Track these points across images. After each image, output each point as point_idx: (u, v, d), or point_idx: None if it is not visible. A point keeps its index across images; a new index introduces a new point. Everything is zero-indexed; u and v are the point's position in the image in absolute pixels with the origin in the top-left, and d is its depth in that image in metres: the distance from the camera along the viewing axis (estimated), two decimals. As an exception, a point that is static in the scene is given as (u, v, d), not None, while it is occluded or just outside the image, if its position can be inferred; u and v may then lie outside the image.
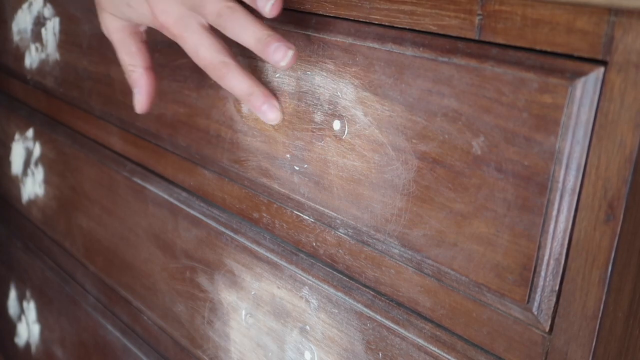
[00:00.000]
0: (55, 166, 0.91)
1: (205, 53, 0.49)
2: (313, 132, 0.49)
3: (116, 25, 0.54)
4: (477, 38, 0.38)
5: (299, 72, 0.50)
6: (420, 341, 0.44)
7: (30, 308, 1.05)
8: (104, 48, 0.74)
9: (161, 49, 0.64)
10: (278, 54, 0.46)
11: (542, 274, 0.37)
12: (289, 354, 0.55)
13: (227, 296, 0.62)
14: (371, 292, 0.48)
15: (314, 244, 0.51)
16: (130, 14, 0.53)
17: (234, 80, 0.49)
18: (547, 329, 0.37)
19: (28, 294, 1.06)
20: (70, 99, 0.83)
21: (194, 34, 0.49)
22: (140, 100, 0.55)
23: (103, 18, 0.55)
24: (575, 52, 0.34)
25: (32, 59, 0.91)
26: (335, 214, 0.49)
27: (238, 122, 0.56)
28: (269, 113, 0.50)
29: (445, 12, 0.39)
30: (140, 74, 0.55)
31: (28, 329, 1.06)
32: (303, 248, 0.53)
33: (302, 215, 0.52)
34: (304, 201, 0.51)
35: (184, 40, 0.50)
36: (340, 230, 0.49)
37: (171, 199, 0.67)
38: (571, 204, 0.35)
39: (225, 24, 0.47)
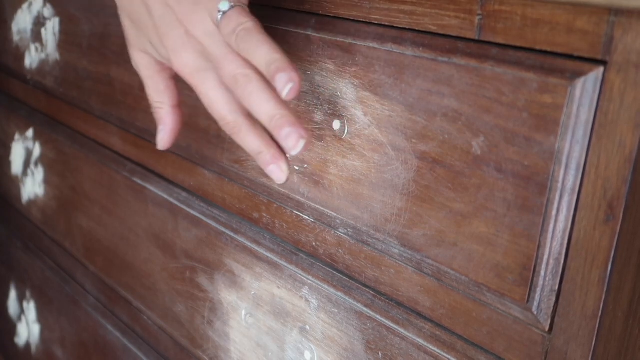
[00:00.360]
0: (55, 166, 0.91)
1: (220, 109, 0.49)
2: (313, 132, 0.49)
3: (144, 62, 0.54)
4: (477, 38, 0.38)
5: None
6: (420, 341, 0.44)
7: (30, 308, 1.05)
8: (104, 48, 0.74)
9: (161, 49, 0.64)
10: (290, 141, 0.45)
11: (542, 273, 0.37)
12: (289, 353, 0.55)
13: (227, 296, 0.62)
14: (371, 291, 0.48)
15: (314, 243, 0.52)
16: (153, 52, 0.52)
17: (245, 138, 0.49)
18: (547, 328, 0.37)
19: (28, 294, 1.06)
20: (70, 99, 0.83)
21: (210, 89, 0.49)
22: (164, 138, 0.54)
23: (132, 54, 0.55)
24: (575, 52, 0.34)
25: (32, 59, 0.91)
26: (335, 214, 0.49)
27: (238, 122, 0.56)
28: (275, 173, 0.50)
29: (445, 12, 0.39)
30: (167, 112, 0.54)
31: (28, 329, 1.06)
32: (303, 248, 0.53)
33: (302, 215, 0.52)
34: (303, 201, 0.51)
35: (199, 92, 0.50)
36: (340, 230, 0.49)
37: (171, 199, 0.67)
38: (571, 203, 0.35)
39: (240, 92, 0.47)
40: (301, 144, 0.45)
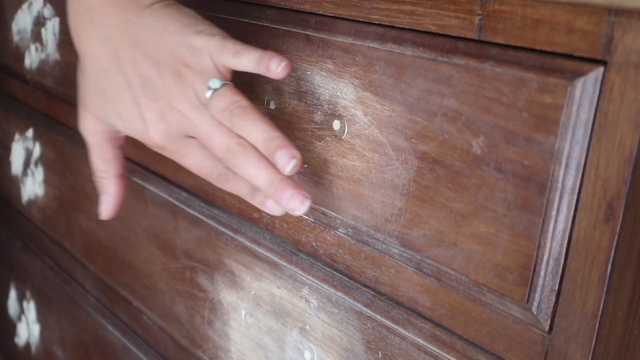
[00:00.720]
0: (55, 166, 0.91)
1: (205, 169, 0.49)
2: (313, 132, 0.49)
3: (95, 128, 0.53)
4: (477, 38, 0.38)
5: (298, 72, 0.50)
6: (420, 341, 0.44)
7: (30, 308, 1.05)
8: (104, 48, 0.74)
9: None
10: (294, 203, 0.45)
11: (542, 273, 0.37)
12: (289, 353, 0.55)
13: (227, 296, 0.62)
14: (371, 291, 0.48)
15: (314, 243, 0.52)
16: (118, 124, 0.51)
17: (236, 185, 0.49)
18: (547, 328, 0.37)
19: (28, 294, 1.06)
20: (70, 99, 0.83)
21: (192, 155, 0.49)
22: (107, 209, 0.54)
23: (84, 118, 0.53)
24: (575, 52, 0.34)
25: (32, 59, 0.91)
26: (335, 214, 0.49)
27: (238, 122, 0.56)
28: (272, 207, 0.49)
29: (445, 12, 0.39)
30: (111, 181, 0.53)
31: (28, 329, 1.06)
32: (303, 248, 0.53)
33: (302, 215, 0.52)
34: (303, 201, 0.51)
35: (180, 157, 0.50)
36: (340, 230, 0.49)
37: (171, 199, 0.67)
38: (571, 203, 0.35)
39: (235, 160, 0.47)
40: (306, 203, 0.45)
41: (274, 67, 0.45)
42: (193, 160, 0.50)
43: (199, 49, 0.47)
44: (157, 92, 0.48)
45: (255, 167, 0.46)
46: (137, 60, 0.48)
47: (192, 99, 0.47)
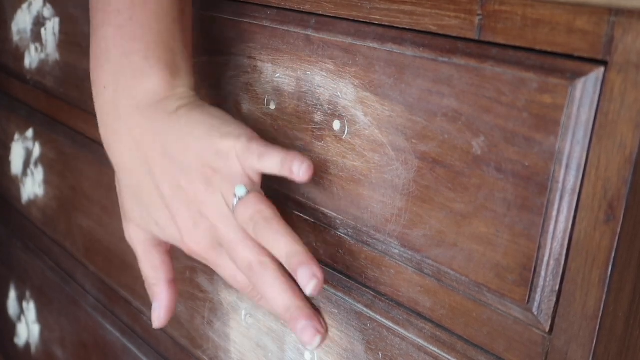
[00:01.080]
0: (55, 166, 0.91)
1: (239, 283, 0.49)
2: (313, 132, 0.49)
3: (141, 237, 0.52)
4: (477, 38, 0.38)
5: (299, 72, 0.50)
6: (420, 341, 0.44)
7: (30, 308, 1.05)
8: (104, 48, 0.74)
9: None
10: (306, 335, 0.44)
11: (542, 274, 0.37)
12: (289, 354, 0.55)
13: (227, 296, 0.62)
14: (371, 292, 0.48)
15: (314, 244, 0.51)
16: (157, 232, 0.51)
17: (266, 292, 0.47)
18: (547, 329, 0.37)
19: (28, 294, 1.06)
20: (70, 99, 0.83)
21: (226, 266, 0.49)
22: (160, 316, 0.53)
23: (128, 228, 0.53)
24: (576, 52, 0.34)
25: (32, 59, 0.91)
26: (335, 214, 0.49)
27: (238, 122, 0.56)
28: (307, 332, 0.45)
29: (445, 12, 0.39)
30: (163, 288, 0.53)
31: (28, 329, 1.06)
32: (303, 248, 0.53)
33: (302, 215, 0.52)
34: (303, 201, 0.51)
35: (215, 267, 0.49)
36: (340, 230, 0.49)
37: (171, 199, 0.67)
38: (571, 204, 0.35)
39: (254, 280, 0.46)
40: (317, 339, 0.44)
41: (296, 170, 0.44)
42: (227, 272, 0.49)
43: (225, 154, 0.46)
44: (188, 199, 0.47)
45: (273, 289, 0.45)
46: (167, 168, 0.48)
47: (221, 206, 0.47)
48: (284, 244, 0.44)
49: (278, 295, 0.45)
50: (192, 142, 0.47)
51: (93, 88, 0.50)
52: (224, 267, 0.49)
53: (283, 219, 0.46)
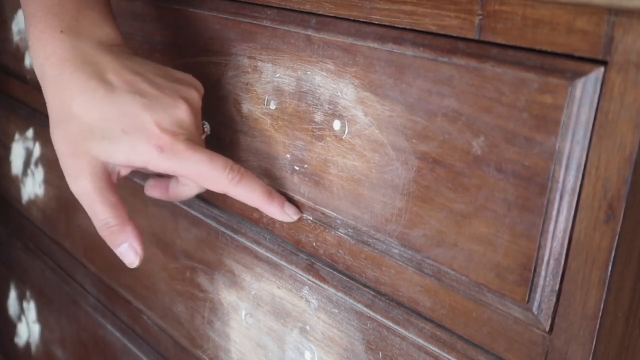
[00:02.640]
0: (55, 166, 0.91)
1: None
2: (313, 132, 0.49)
3: (91, 178, 0.49)
4: (477, 38, 0.38)
5: (299, 72, 0.50)
6: (420, 341, 0.44)
7: (30, 308, 1.05)
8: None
9: (161, 49, 0.64)
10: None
11: (542, 273, 0.37)
12: (289, 353, 0.55)
13: (227, 296, 0.62)
14: (371, 292, 0.48)
15: (314, 244, 0.52)
16: (123, 149, 0.49)
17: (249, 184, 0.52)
18: (547, 328, 0.37)
19: (28, 294, 1.06)
20: (70, 99, 0.83)
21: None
22: (133, 256, 0.51)
23: (74, 175, 0.50)
24: (576, 52, 0.34)
25: (32, 58, 0.91)
26: (335, 214, 0.49)
27: (238, 123, 0.56)
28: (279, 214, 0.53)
29: (445, 12, 0.39)
30: (128, 225, 0.51)
31: (28, 329, 1.06)
32: (303, 248, 0.53)
33: (302, 215, 0.52)
34: (304, 201, 0.51)
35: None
36: (341, 230, 0.49)
37: (171, 199, 0.67)
38: (571, 204, 0.35)
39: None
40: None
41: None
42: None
43: (187, 89, 0.52)
44: (154, 92, 0.50)
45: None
46: (123, 71, 0.50)
47: (189, 116, 0.51)
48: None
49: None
50: (156, 68, 0.52)
51: (41, 43, 0.52)
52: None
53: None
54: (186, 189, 0.55)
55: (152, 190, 0.58)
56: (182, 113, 0.50)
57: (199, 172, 0.50)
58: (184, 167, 0.49)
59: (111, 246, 0.52)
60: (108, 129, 0.49)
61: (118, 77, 0.50)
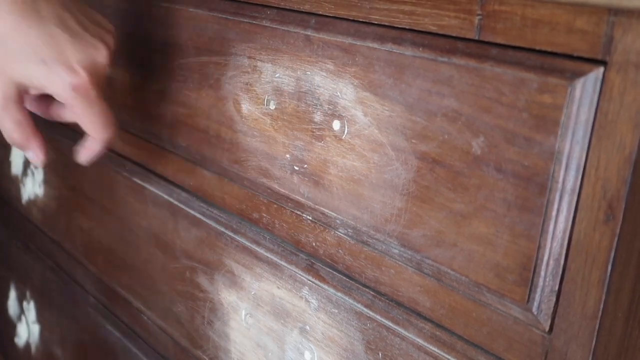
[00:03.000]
0: (55, 166, 0.91)
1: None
2: (313, 132, 0.49)
3: (2, 89, 0.54)
4: (476, 38, 0.38)
5: (298, 72, 0.50)
6: (420, 341, 0.44)
7: (30, 308, 1.05)
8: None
9: (161, 49, 0.64)
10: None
11: (542, 274, 0.37)
12: (289, 354, 0.55)
13: (227, 296, 0.62)
14: (371, 292, 0.48)
15: (314, 244, 0.51)
16: (36, 74, 0.53)
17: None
18: (547, 329, 0.37)
19: (28, 294, 1.06)
20: (70, 99, 0.83)
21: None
22: (40, 155, 0.59)
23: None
24: (575, 52, 0.34)
25: None
26: (335, 214, 0.49)
27: (238, 123, 0.56)
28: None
29: (445, 12, 0.39)
30: (34, 135, 0.58)
31: (28, 329, 1.06)
32: (303, 248, 0.53)
33: (302, 215, 0.52)
34: (303, 201, 0.51)
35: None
36: (340, 230, 0.49)
37: (171, 199, 0.67)
38: (571, 204, 0.35)
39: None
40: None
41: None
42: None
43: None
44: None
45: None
46: (54, 5, 0.53)
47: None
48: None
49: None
50: (83, 8, 0.56)
51: None
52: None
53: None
54: (68, 115, 0.59)
55: (33, 105, 0.60)
56: (101, 56, 0.54)
57: (92, 122, 0.56)
58: (85, 112, 0.55)
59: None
60: (29, 55, 0.53)
61: (49, 9, 0.52)
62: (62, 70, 0.53)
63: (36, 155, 0.58)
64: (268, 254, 0.56)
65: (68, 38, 0.52)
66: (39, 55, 0.52)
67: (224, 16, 0.56)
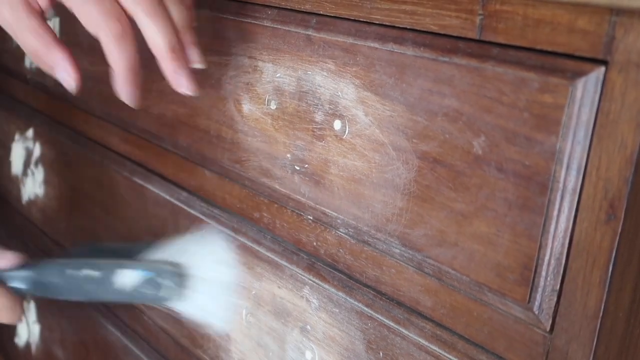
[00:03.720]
0: (55, 166, 0.91)
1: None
2: (314, 131, 0.49)
3: (10, 7, 0.48)
4: (478, 38, 0.38)
5: (299, 72, 0.50)
6: (421, 340, 0.44)
7: (30, 308, 1.05)
8: (104, 48, 0.74)
9: (162, 49, 0.64)
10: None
11: (543, 273, 0.37)
12: (290, 353, 0.55)
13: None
14: (372, 291, 0.48)
15: (315, 243, 0.52)
16: None
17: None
18: (548, 328, 0.37)
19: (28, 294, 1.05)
20: (70, 99, 0.83)
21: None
22: (76, 78, 0.50)
23: None
24: (576, 51, 0.34)
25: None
26: (336, 214, 0.49)
27: (239, 122, 0.56)
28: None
29: (446, 12, 0.39)
30: (59, 49, 0.49)
31: (28, 329, 1.06)
32: (304, 248, 0.53)
33: (302, 214, 0.52)
34: (304, 201, 0.51)
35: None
36: (341, 229, 0.49)
37: (172, 199, 0.67)
38: (572, 203, 0.35)
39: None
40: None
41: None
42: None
43: None
44: None
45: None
46: None
47: None
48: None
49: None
50: None
51: None
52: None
53: None
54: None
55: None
56: None
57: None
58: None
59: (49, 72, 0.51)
60: None
61: None
62: None
63: (67, 72, 0.49)
64: (269, 254, 0.56)
65: None
66: None
67: (224, 16, 0.56)
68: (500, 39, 0.37)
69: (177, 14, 0.47)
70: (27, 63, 0.93)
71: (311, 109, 0.49)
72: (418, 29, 0.41)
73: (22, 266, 0.58)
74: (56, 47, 0.49)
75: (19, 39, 0.49)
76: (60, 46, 0.49)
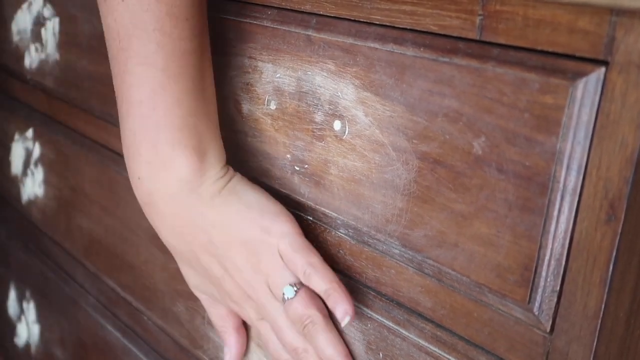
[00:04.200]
0: (55, 166, 0.91)
1: (286, 357, 0.52)
2: (313, 132, 0.49)
3: (204, 298, 0.57)
4: (478, 38, 0.38)
5: (299, 72, 0.50)
6: (421, 341, 0.44)
7: (30, 308, 1.05)
8: (104, 48, 0.74)
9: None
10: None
11: (543, 274, 0.37)
12: (290, 354, 0.55)
13: (227, 296, 0.62)
14: (372, 292, 0.48)
15: (315, 244, 0.51)
16: (215, 297, 0.55)
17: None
18: (548, 329, 0.37)
19: (28, 294, 1.06)
20: (70, 99, 0.83)
21: (270, 336, 0.52)
22: (230, 358, 0.58)
23: (192, 290, 0.57)
24: (577, 52, 0.34)
25: (32, 59, 0.91)
26: (335, 215, 0.49)
27: (238, 123, 0.56)
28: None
29: (446, 12, 0.39)
30: (231, 334, 0.57)
31: (28, 329, 1.06)
32: (303, 248, 0.53)
33: (302, 215, 0.52)
34: (304, 201, 0.51)
35: (263, 337, 0.53)
36: (341, 230, 0.49)
37: (171, 199, 0.67)
38: (572, 204, 0.35)
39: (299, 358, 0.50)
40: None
41: (340, 315, 0.46)
42: (272, 346, 0.52)
43: (268, 249, 0.49)
44: (236, 283, 0.51)
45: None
46: (212, 257, 0.51)
47: (268, 294, 0.49)
48: (332, 349, 0.48)
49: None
50: (234, 234, 0.49)
51: (130, 177, 0.52)
52: (270, 340, 0.52)
53: (331, 321, 0.49)
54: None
55: None
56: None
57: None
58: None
59: None
60: (202, 287, 0.56)
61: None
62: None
63: (229, 354, 0.58)
64: (269, 254, 0.56)
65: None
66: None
67: (224, 16, 0.56)
68: (501, 40, 0.37)
69: (323, 350, 0.49)
70: (27, 63, 0.93)
71: (311, 109, 0.49)
72: (418, 29, 0.41)
73: None
74: (232, 335, 0.57)
75: (209, 314, 0.58)
76: (234, 335, 0.57)
